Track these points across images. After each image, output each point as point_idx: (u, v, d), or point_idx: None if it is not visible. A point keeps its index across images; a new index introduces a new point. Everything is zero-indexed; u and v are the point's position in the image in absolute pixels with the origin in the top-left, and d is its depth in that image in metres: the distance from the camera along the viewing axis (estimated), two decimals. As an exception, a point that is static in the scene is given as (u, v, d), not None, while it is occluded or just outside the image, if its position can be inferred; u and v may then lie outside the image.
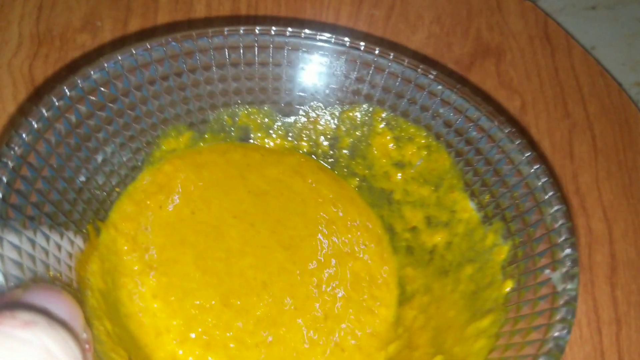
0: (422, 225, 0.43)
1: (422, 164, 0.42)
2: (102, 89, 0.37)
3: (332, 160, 0.46)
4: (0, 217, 0.30)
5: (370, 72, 0.41)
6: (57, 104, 0.35)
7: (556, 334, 0.31)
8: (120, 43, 0.54)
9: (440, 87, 0.40)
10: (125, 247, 0.40)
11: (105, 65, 0.37)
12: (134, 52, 0.38)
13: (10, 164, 0.31)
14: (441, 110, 0.40)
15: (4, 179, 0.31)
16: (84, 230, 0.37)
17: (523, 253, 0.36)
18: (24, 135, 0.33)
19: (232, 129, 0.44)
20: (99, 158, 0.38)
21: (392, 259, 0.43)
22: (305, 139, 0.45)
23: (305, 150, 0.46)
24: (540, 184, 0.36)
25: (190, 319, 0.39)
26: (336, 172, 0.46)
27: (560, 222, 0.35)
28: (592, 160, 0.54)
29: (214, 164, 0.45)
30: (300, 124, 0.45)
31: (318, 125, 0.45)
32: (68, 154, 0.36)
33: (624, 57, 0.63)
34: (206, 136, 0.44)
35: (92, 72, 0.36)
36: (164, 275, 0.40)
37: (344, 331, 0.40)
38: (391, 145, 0.43)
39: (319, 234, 0.43)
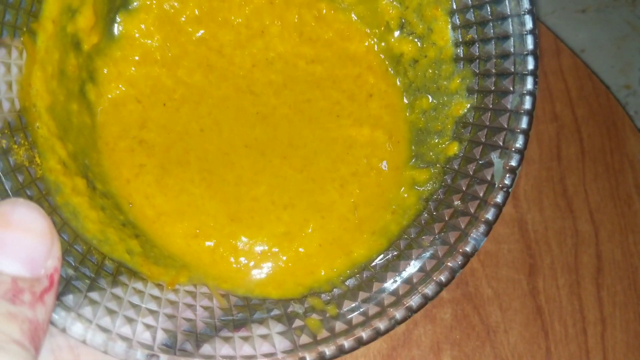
0: (394, 25, 0.40)
1: None
2: None
3: None
4: None
5: None
6: None
7: (474, 235, 0.32)
8: None
9: None
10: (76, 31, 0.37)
11: None
12: None
13: None
14: None
15: None
16: (19, 44, 0.33)
17: (479, 119, 0.34)
18: None
19: None
20: None
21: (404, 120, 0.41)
22: None
23: None
24: (526, 52, 0.33)
25: (179, 209, 0.38)
26: None
27: (525, 107, 0.33)
28: (580, 163, 0.55)
29: (218, 61, 0.42)
30: None
31: None
32: None
33: (613, 60, 0.64)
34: None
35: None
36: (158, 159, 0.39)
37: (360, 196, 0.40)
38: None
39: (326, 133, 0.41)
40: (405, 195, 0.38)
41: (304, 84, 0.43)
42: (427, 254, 0.33)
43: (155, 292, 0.32)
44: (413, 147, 0.39)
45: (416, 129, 0.39)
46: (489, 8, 0.34)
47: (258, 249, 0.39)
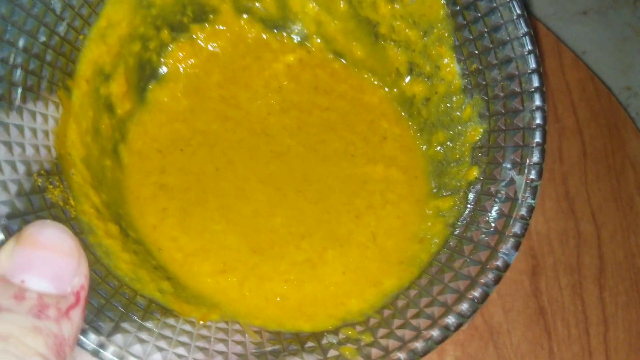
0: (403, 69, 0.42)
1: (414, 5, 0.40)
2: None
3: None
4: None
5: None
6: None
7: (504, 250, 0.32)
8: None
9: None
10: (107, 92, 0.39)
11: None
12: None
13: None
14: None
15: None
16: (55, 98, 0.35)
17: (495, 141, 0.35)
18: None
19: None
20: (57, 6, 0.34)
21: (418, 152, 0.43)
22: None
23: None
24: (529, 70, 0.34)
25: (205, 247, 0.39)
26: None
27: (537, 122, 0.34)
28: (582, 164, 0.55)
29: (234, 113, 0.44)
30: None
31: None
32: (20, 18, 0.32)
33: (615, 62, 0.64)
34: None
35: None
36: (179, 202, 0.40)
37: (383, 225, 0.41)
38: None
39: (341, 170, 0.43)
40: (429, 223, 0.38)
41: (318, 127, 0.45)
42: (460, 276, 0.33)
43: (187, 327, 0.32)
44: (433, 179, 0.40)
45: (435, 161, 0.40)
46: (488, 37, 0.36)
47: (283, 278, 0.39)
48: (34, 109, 0.33)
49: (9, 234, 0.29)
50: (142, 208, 0.40)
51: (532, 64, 0.34)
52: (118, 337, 0.30)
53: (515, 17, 0.35)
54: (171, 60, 0.44)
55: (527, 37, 0.35)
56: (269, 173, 0.43)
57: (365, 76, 0.45)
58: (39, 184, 0.32)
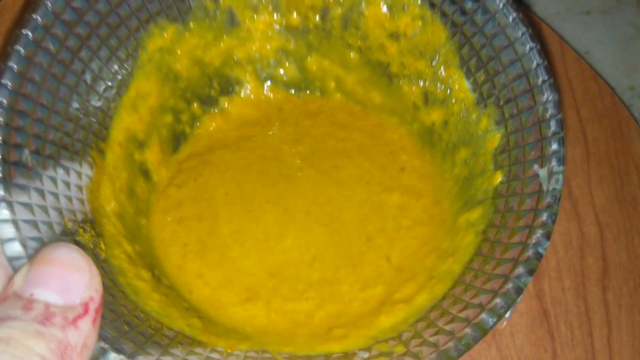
0: (419, 101, 0.43)
1: (417, 36, 0.41)
2: (72, 4, 0.34)
3: (324, 32, 0.45)
4: (4, 180, 0.29)
5: None
6: (31, 35, 0.32)
7: (534, 240, 0.32)
8: None
9: None
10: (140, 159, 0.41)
11: None
12: None
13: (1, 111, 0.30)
14: None
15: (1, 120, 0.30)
16: (89, 158, 0.36)
17: (514, 142, 0.35)
18: (7, 83, 0.31)
19: (216, 13, 0.43)
20: (88, 78, 0.36)
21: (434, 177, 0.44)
22: (294, 13, 0.44)
23: (295, 25, 0.45)
24: (534, 66, 0.35)
25: (227, 276, 0.40)
26: (331, 44, 0.45)
27: (550, 112, 0.34)
28: (585, 164, 0.55)
29: (247, 145, 0.45)
30: None
31: None
32: (54, 85, 0.33)
33: (618, 61, 0.63)
34: (191, 25, 0.42)
35: None
36: (196, 234, 0.41)
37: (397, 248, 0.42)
38: (384, 10, 0.42)
39: (354, 195, 0.43)
40: (461, 236, 0.38)
41: (332, 154, 0.45)
42: (494, 277, 0.32)
43: (215, 355, 0.32)
44: (461, 197, 0.40)
45: (462, 179, 0.40)
46: (490, 47, 0.37)
47: (303, 296, 0.40)
48: (67, 165, 0.34)
49: None
50: (166, 249, 0.41)
51: (537, 59, 0.35)
52: (140, 358, 0.29)
53: (511, 21, 0.36)
54: (202, 131, 0.47)
55: (526, 35, 0.35)
56: (277, 193, 0.43)
57: (385, 118, 0.46)
58: (70, 227, 0.32)
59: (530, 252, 0.31)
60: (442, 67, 0.40)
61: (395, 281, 0.40)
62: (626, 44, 0.65)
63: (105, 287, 0.30)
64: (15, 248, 0.28)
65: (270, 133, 0.46)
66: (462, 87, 0.39)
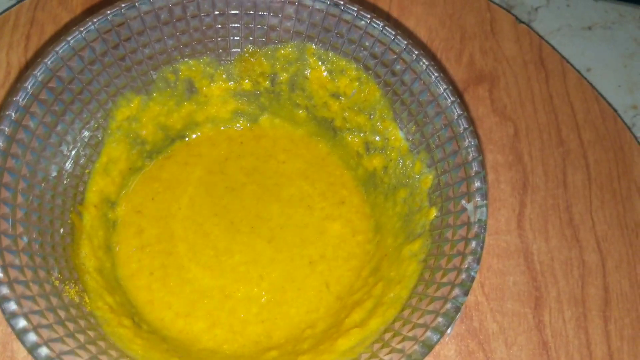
0: (362, 150, 0.48)
1: (355, 95, 0.46)
2: (48, 85, 0.38)
3: (274, 94, 0.49)
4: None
5: (297, 9, 0.44)
6: (13, 115, 0.36)
7: (466, 265, 0.36)
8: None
9: (363, 21, 0.42)
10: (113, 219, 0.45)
11: (46, 62, 0.38)
12: (68, 40, 0.39)
13: None
14: (367, 43, 0.43)
15: None
16: (69, 221, 0.40)
17: (444, 182, 0.41)
18: None
19: (177, 83, 0.46)
20: (64, 149, 0.40)
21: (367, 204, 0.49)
22: (246, 80, 0.48)
23: (248, 89, 0.49)
24: (456, 116, 0.40)
25: (191, 301, 0.43)
26: (281, 104, 0.50)
27: (472, 155, 0.39)
28: (586, 189, 0.53)
29: (196, 161, 0.49)
30: (239, 67, 0.47)
31: (256, 66, 0.47)
32: (34, 159, 0.38)
33: (620, 79, 0.62)
34: (154, 95, 0.46)
35: (36, 73, 0.38)
36: (158, 259, 0.44)
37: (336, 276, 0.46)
38: (325, 74, 0.46)
39: (296, 215, 0.47)
40: (405, 265, 0.41)
41: (273, 173, 0.49)
42: (435, 299, 0.36)
43: None
44: (404, 232, 0.44)
45: (403, 215, 0.44)
46: (417, 102, 0.42)
47: (259, 319, 0.43)
48: (50, 229, 0.38)
49: (32, 324, 0.33)
50: (136, 283, 0.43)
51: (457, 111, 0.40)
52: None
53: (434, 79, 0.41)
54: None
55: (447, 92, 0.41)
56: (223, 205, 0.47)
57: (331, 159, 0.51)
58: (57, 285, 0.36)
59: (464, 275, 0.36)
60: (379, 120, 0.46)
61: (334, 307, 0.44)
62: (629, 60, 0.63)
63: (91, 338, 0.34)
64: (12, 307, 0.33)
65: (216, 149, 0.50)
66: (397, 137, 0.45)
